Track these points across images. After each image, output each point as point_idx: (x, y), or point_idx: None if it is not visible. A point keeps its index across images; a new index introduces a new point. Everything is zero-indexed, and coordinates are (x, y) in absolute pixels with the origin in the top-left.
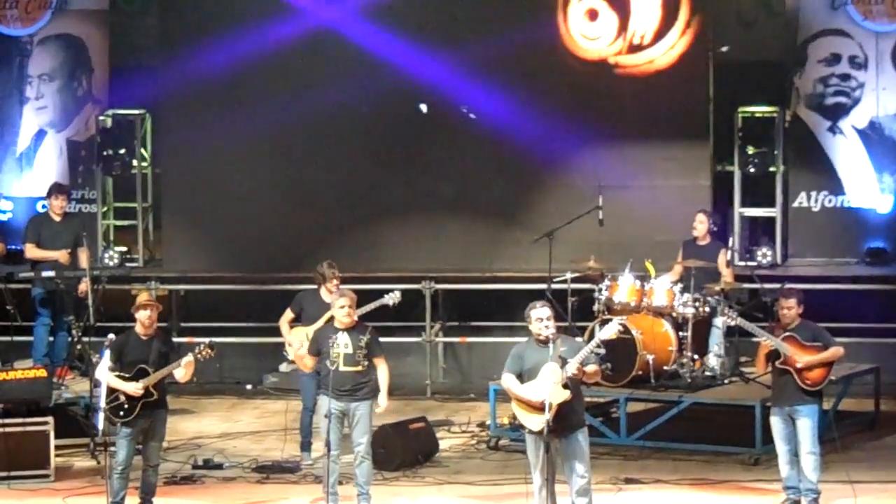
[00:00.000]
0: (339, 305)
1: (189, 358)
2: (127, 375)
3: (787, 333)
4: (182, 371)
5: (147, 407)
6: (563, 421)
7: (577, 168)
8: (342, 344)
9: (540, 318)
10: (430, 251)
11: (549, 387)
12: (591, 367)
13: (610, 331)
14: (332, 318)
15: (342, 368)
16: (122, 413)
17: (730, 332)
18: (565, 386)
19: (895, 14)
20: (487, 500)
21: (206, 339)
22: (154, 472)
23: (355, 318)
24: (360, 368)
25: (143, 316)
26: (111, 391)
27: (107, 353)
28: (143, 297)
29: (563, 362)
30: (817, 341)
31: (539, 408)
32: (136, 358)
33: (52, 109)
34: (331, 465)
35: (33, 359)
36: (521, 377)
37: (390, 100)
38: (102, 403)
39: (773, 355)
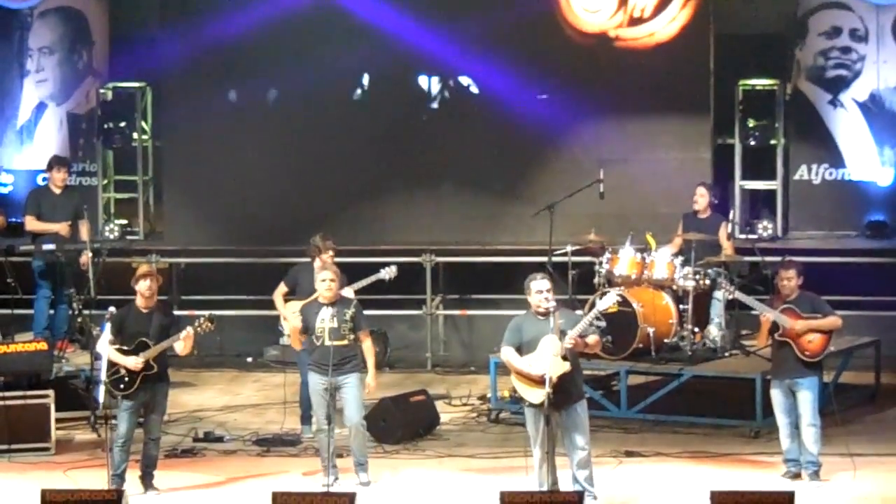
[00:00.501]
0: (322, 279)
1: (188, 331)
2: (127, 348)
3: (787, 305)
4: (182, 344)
5: (148, 380)
6: (563, 393)
7: (578, 141)
8: (327, 318)
9: (539, 290)
10: (431, 224)
11: (548, 359)
12: (592, 338)
13: (608, 302)
14: None
15: (328, 343)
16: (122, 386)
17: (730, 304)
18: (564, 358)
19: None
20: (488, 473)
21: (207, 313)
22: (155, 444)
23: (340, 292)
24: (345, 342)
25: (143, 286)
26: (112, 364)
27: (107, 326)
28: (143, 268)
29: (563, 335)
30: (816, 312)
31: (539, 381)
32: (136, 331)
33: (52, 82)
34: (325, 439)
35: (34, 332)
36: (520, 349)
37: (391, 73)
38: (103, 376)
39: (774, 328)
